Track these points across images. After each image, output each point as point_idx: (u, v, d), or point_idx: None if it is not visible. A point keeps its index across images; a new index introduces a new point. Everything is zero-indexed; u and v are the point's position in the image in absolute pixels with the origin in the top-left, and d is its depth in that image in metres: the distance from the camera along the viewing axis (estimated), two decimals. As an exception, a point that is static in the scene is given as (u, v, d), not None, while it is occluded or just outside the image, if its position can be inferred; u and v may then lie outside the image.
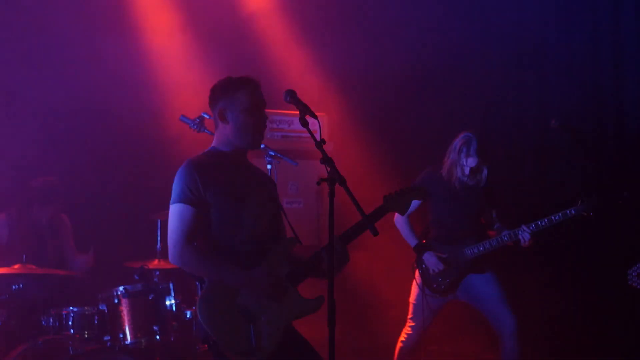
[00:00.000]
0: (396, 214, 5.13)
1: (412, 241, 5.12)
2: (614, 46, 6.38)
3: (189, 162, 3.44)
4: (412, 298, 5.13)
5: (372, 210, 3.50)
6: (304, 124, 3.20)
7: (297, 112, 3.24)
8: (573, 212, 4.73)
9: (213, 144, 3.58)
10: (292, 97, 3.28)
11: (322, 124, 6.18)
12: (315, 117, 3.19)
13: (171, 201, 3.39)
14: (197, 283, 3.49)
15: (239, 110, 3.47)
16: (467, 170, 4.99)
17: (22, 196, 5.21)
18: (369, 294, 6.24)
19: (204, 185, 3.36)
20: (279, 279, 3.36)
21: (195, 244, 3.37)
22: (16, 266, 4.65)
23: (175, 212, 3.35)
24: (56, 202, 5.25)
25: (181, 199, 3.35)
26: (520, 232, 4.87)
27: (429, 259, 5.03)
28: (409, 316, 5.13)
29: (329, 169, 3.06)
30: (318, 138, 3.15)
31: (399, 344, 5.15)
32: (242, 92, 3.49)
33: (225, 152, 3.53)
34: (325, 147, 3.14)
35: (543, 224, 4.80)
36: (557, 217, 4.76)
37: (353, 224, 3.43)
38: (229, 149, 3.53)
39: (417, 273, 5.10)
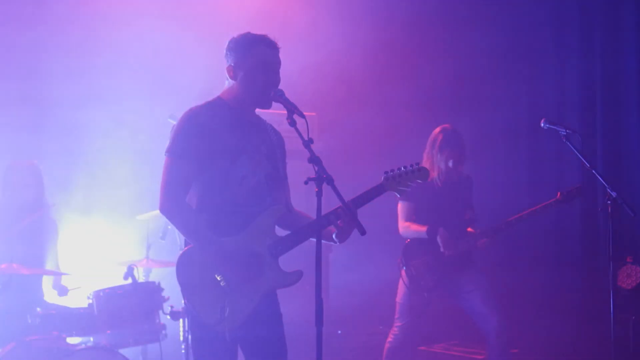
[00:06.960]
0: (400, 221, 5.08)
1: (423, 230, 4.97)
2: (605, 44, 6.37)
3: (188, 112, 3.33)
4: (399, 298, 5.10)
5: (369, 189, 3.39)
6: (292, 123, 3.17)
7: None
8: (550, 204, 4.88)
9: (220, 94, 3.44)
10: (279, 96, 3.27)
11: (314, 124, 6.23)
12: (303, 116, 3.15)
13: (165, 150, 3.28)
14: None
15: (251, 67, 3.34)
16: (445, 165, 5.00)
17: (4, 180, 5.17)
18: (357, 293, 6.22)
19: (200, 137, 3.24)
20: (258, 252, 3.26)
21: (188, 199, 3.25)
22: (3, 265, 4.62)
23: (167, 164, 3.25)
24: (38, 183, 5.20)
25: (174, 151, 3.25)
26: (497, 227, 4.90)
27: (444, 237, 4.88)
28: (396, 316, 5.10)
29: (316, 168, 3.04)
30: (306, 137, 3.11)
31: (387, 345, 5.13)
32: (256, 49, 3.35)
33: (229, 104, 3.39)
34: (315, 146, 3.11)
35: (522, 217, 4.92)
36: (535, 210, 4.92)
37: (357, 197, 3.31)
38: (234, 102, 3.39)
39: (403, 272, 5.05)
